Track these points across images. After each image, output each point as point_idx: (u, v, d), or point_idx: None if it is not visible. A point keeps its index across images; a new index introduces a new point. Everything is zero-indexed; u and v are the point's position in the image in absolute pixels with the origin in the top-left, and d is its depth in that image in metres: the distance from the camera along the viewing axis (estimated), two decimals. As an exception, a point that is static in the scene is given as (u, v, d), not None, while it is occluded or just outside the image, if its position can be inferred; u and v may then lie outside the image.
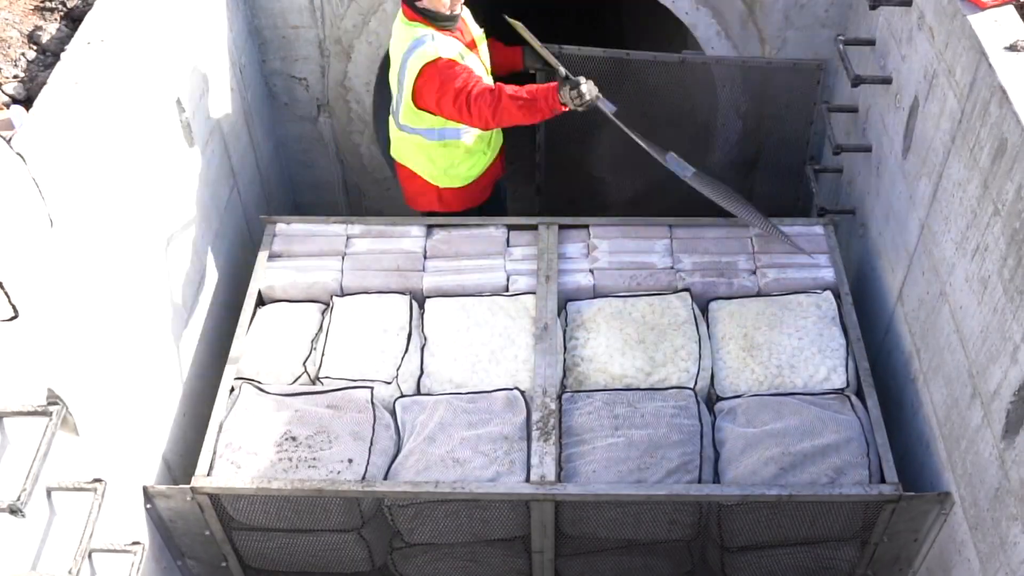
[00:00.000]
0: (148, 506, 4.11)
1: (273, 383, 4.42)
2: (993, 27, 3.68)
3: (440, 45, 4.66)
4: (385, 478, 4.10)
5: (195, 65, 4.79)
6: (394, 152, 5.25)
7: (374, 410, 4.28)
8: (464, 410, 4.27)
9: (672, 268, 4.82)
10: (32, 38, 4.10)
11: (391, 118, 5.09)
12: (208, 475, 4.08)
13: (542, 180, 6.46)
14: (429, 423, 4.23)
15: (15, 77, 3.87)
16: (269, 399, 4.34)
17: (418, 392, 4.39)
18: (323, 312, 4.71)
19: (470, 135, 4.96)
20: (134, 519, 4.02)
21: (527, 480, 4.03)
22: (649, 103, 7.50)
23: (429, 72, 4.62)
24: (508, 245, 4.97)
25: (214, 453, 4.15)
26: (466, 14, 4.93)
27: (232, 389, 4.39)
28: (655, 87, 6.16)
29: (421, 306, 4.72)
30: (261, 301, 4.77)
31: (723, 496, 3.98)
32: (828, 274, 4.76)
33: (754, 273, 4.78)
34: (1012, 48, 3.58)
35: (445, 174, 5.11)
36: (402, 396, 4.36)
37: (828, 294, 4.66)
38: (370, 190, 6.57)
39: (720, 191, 5.00)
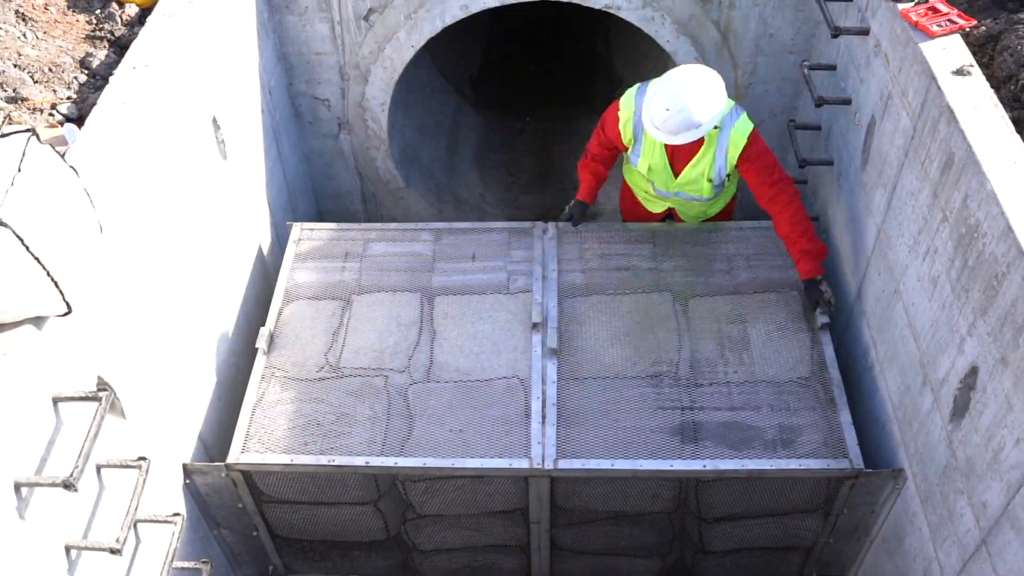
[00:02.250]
0: (187, 481, 4.11)
1: (299, 372, 4.42)
2: (942, 54, 3.69)
3: (628, 96, 4.48)
4: (399, 456, 4.11)
5: (229, 88, 4.79)
6: None
7: (389, 396, 4.29)
8: (469, 395, 4.28)
9: (655, 269, 4.82)
10: (84, 64, 4.10)
11: None
12: (241, 454, 4.09)
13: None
14: (438, 407, 4.24)
15: (69, 98, 3.88)
16: (295, 386, 4.35)
17: (428, 380, 4.39)
18: (343, 308, 4.71)
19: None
20: (174, 493, 4.02)
21: (526, 458, 4.03)
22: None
23: None
24: (509, 248, 4.97)
25: (246, 434, 4.15)
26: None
27: (262, 377, 4.40)
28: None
29: (431, 303, 4.72)
30: (288, 298, 4.77)
31: (700, 472, 3.98)
32: (795, 274, 4.75)
33: (729, 273, 4.79)
34: (959, 72, 3.58)
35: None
36: (414, 383, 4.36)
37: (795, 293, 4.66)
38: (385, 199, 6.58)
39: None
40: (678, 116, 4.12)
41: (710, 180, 4.54)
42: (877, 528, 4.26)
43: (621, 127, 4.51)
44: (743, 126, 4.37)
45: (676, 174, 4.60)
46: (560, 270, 4.83)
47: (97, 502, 3.30)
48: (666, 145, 4.43)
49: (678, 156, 4.52)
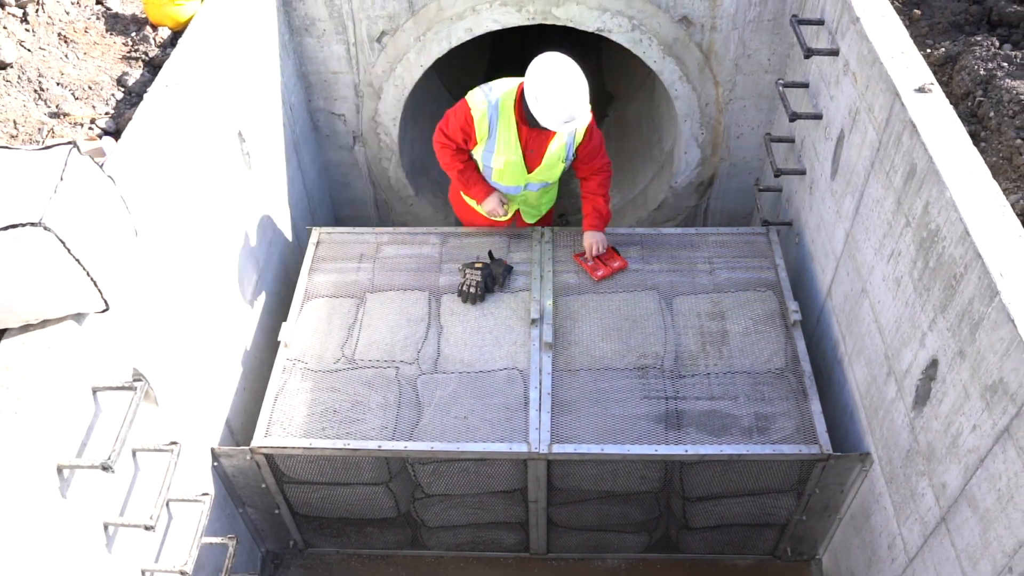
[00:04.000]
0: (215, 464, 4.12)
1: (317, 364, 4.42)
2: (905, 73, 3.69)
3: (477, 95, 4.34)
4: (408, 441, 4.10)
5: (254, 104, 4.79)
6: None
7: (400, 386, 4.29)
8: (473, 385, 4.28)
9: (642, 270, 4.82)
10: (120, 82, 4.10)
11: None
12: (264, 438, 4.09)
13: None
14: (445, 396, 4.24)
15: (106, 113, 3.88)
16: (314, 377, 4.34)
17: (435, 371, 4.39)
18: (358, 306, 4.71)
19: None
20: (203, 474, 4.03)
21: (524, 443, 4.03)
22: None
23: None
24: (509, 250, 4.97)
25: (269, 420, 4.15)
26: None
27: (284, 369, 4.40)
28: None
29: (438, 301, 4.72)
30: (307, 296, 4.77)
31: (684, 456, 3.98)
32: (770, 275, 4.76)
33: (710, 274, 4.78)
34: (920, 90, 3.58)
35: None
36: (422, 374, 4.36)
37: (771, 292, 4.66)
38: (396, 206, 6.58)
39: None
40: (572, 107, 4.10)
41: (563, 161, 4.56)
42: (846, 507, 4.26)
43: (476, 123, 4.37)
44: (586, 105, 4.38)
45: (530, 167, 4.54)
46: (555, 271, 4.83)
47: (132, 483, 3.30)
48: (521, 138, 4.39)
49: (531, 147, 4.46)
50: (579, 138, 4.47)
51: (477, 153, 4.55)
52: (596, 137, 4.55)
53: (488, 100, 4.32)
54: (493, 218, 4.82)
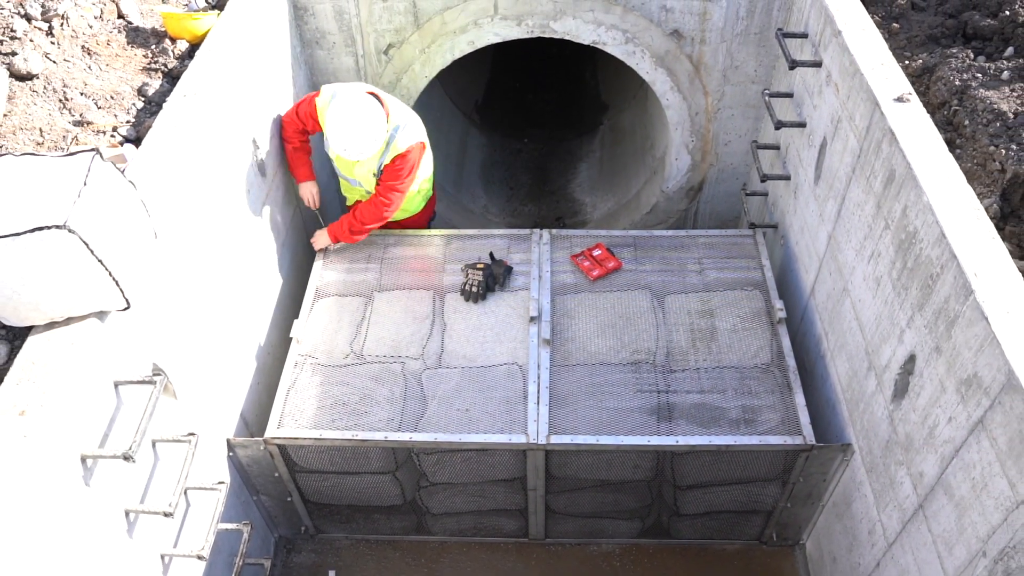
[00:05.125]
0: (230, 454, 4.12)
1: (327, 359, 4.42)
2: (885, 83, 3.69)
3: (325, 91, 4.63)
4: (414, 432, 4.10)
5: (267, 113, 4.78)
6: None
7: (405, 380, 4.29)
8: (475, 380, 4.28)
9: (635, 270, 4.82)
10: (141, 92, 4.10)
11: None
12: (277, 429, 4.09)
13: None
14: (448, 389, 4.23)
15: (127, 122, 3.88)
16: (324, 371, 4.34)
17: (439, 366, 4.39)
18: (366, 304, 4.71)
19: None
20: (219, 464, 4.02)
21: (523, 434, 4.03)
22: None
23: None
24: (509, 251, 4.97)
25: (282, 413, 4.15)
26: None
27: (296, 364, 4.40)
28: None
29: (442, 299, 4.72)
30: (318, 295, 4.77)
31: (674, 447, 3.98)
32: (757, 275, 4.76)
33: (699, 274, 4.78)
34: (899, 100, 3.58)
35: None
36: (427, 369, 4.36)
37: (757, 291, 4.66)
38: (402, 209, 6.57)
39: None
40: (353, 151, 4.45)
41: (375, 175, 4.76)
42: (828, 494, 4.25)
43: (319, 114, 4.61)
44: (408, 138, 4.62)
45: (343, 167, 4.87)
46: (553, 271, 4.83)
47: (152, 472, 3.30)
48: None
49: None
50: (387, 158, 4.66)
51: (326, 143, 4.72)
52: (398, 166, 4.65)
53: (329, 97, 4.57)
54: (306, 201, 5.04)
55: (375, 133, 4.45)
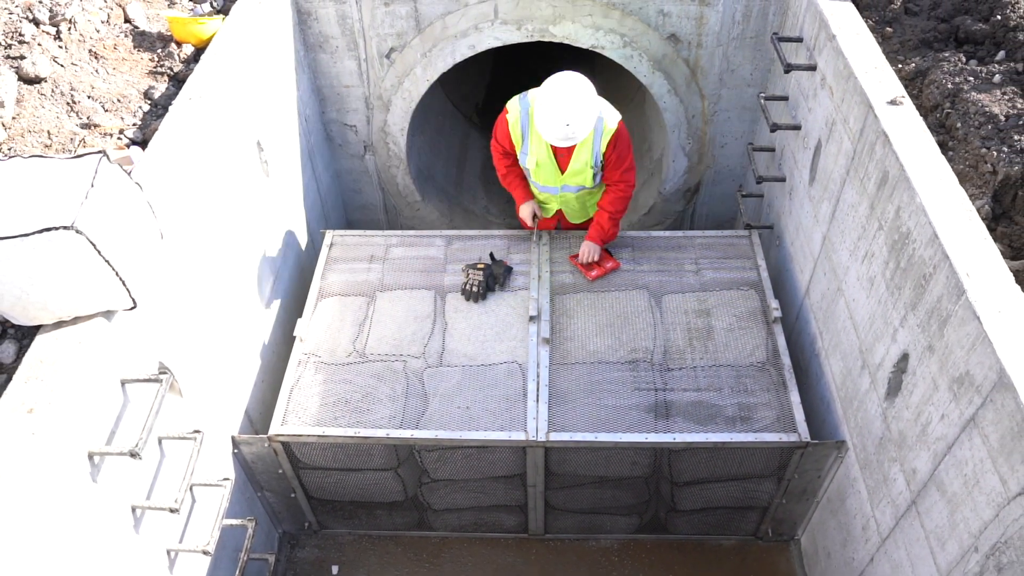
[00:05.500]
0: (235, 451, 4.12)
1: (330, 357, 4.42)
2: (878, 87, 3.69)
3: (513, 102, 4.36)
4: (415, 430, 4.11)
5: (271, 115, 4.79)
6: None
7: (407, 378, 4.29)
8: (475, 378, 4.28)
9: (633, 270, 4.82)
10: (147, 95, 4.10)
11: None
12: (281, 427, 4.09)
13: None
14: (449, 387, 4.23)
15: (134, 124, 3.88)
16: (327, 369, 4.34)
17: (440, 364, 4.39)
18: (368, 303, 4.71)
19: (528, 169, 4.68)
20: (224, 461, 4.02)
21: (523, 431, 4.03)
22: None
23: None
24: (509, 252, 4.97)
25: (286, 410, 4.15)
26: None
27: (299, 362, 4.40)
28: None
29: (443, 299, 4.72)
30: (321, 295, 4.77)
31: (672, 443, 3.98)
32: (753, 275, 4.76)
33: (696, 274, 4.78)
34: (892, 103, 3.58)
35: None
36: (428, 367, 4.36)
37: (753, 291, 4.66)
38: (404, 211, 6.58)
39: None
40: (567, 130, 4.10)
41: (592, 167, 4.48)
42: (823, 491, 4.26)
43: (511, 130, 4.41)
44: (612, 116, 4.33)
45: (562, 169, 4.53)
46: (552, 271, 4.83)
47: (158, 469, 3.30)
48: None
49: (560, 151, 4.46)
50: (604, 146, 4.38)
51: (519, 156, 4.54)
52: (620, 147, 4.40)
53: (520, 106, 4.35)
54: (525, 222, 4.81)
55: (591, 103, 4.10)
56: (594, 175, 4.53)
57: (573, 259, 4.84)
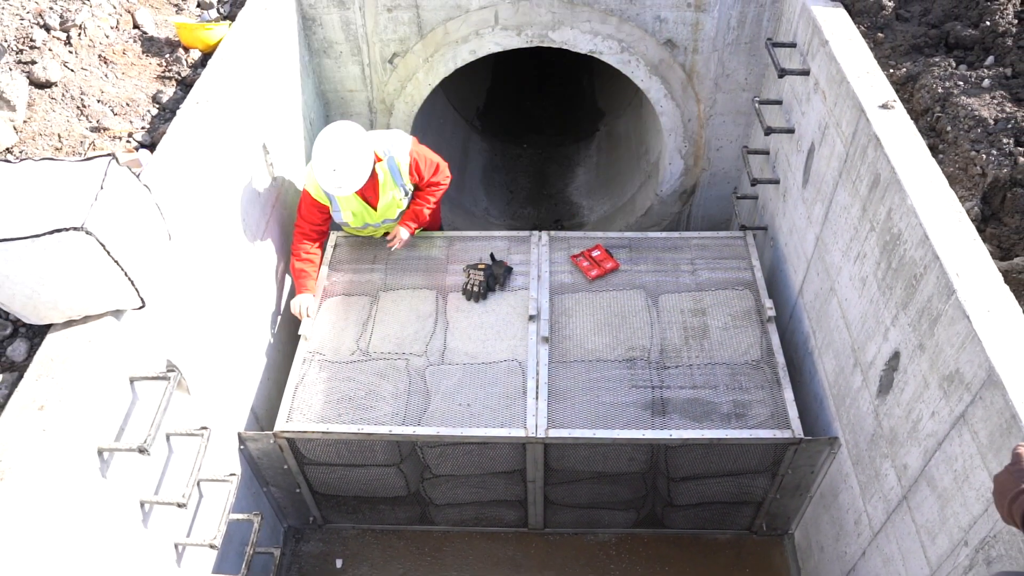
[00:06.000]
0: (241, 447, 4.12)
1: (334, 356, 4.42)
2: (870, 91, 3.69)
3: (306, 179, 4.47)
4: (417, 426, 4.11)
5: (277, 119, 4.79)
6: None
7: (409, 376, 4.29)
8: (476, 375, 4.28)
9: (631, 270, 4.82)
10: (155, 99, 4.10)
11: None
12: (287, 423, 4.09)
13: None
14: (450, 385, 4.23)
15: (142, 128, 3.87)
16: (331, 367, 4.34)
17: (442, 362, 4.39)
18: (371, 303, 4.71)
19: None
20: (230, 456, 4.03)
21: (523, 428, 4.03)
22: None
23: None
24: (509, 252, 4.97)
25: (291, 407, 4.15)
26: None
27: (304, 360, 4.40)
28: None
29: (444, 298, 4.72)
30: (325, 294, 4.77)
31: (668, 440, 3.98)
32: (747, 275, 4.76)
33: (692, 274, 4.78)
34: (884, 107, 3.58)
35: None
36: (430, 365, 4.36)
37: (748, 291, 4.66)
38: (406, 212, 6.57)
39: None
40: (335, 176, 4.22)
41: (400, 199, 4.65)
42: (816, 486, 4.26)
43: (316, 198, 4.47)
44: (401, 148, 4.49)
45: (374, 207, 4.63)
46: (552, 271, 4.83)
47: (166, 464, 3.30)
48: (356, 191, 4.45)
49: (368, 194, 4.56)
50: (407, 180, 4.59)
51: (333, 215, 4.62)
52: (422, 166, 4.58)
53: (313, 178, 4.43)
54: (294, 311, 4.60)
55: (357, 150, 4.22)
56: (407, 200, 4.72)
57: (575, 259, 4.84)
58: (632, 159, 7.03)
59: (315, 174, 4.28)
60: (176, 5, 4.86)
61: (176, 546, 3.37)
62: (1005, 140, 3.40)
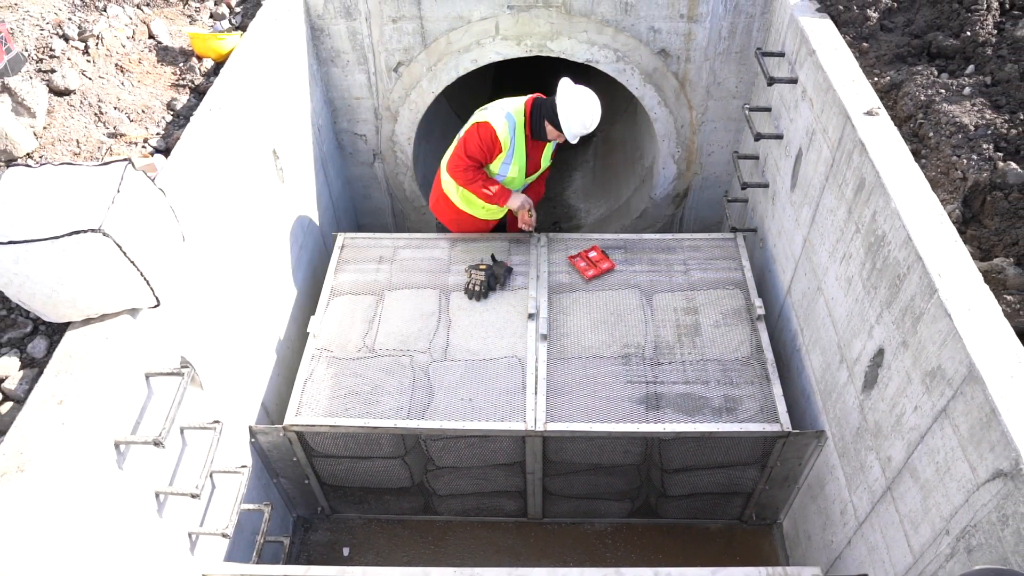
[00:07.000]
0: (252, 440, 4.12)
1: (341, 352, 4.42)
2: (855, 98, 3.69)
3: (497, 119, 4.48)
4: (421, 420, 4.10)
5: (286, 125, 4.79)
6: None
7: (414, 371, 4.28)
8: (478, 371, 4.27)
9: (626, 270, 4.82)
10: (170, 106, 4.10)
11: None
12: (296, 417, 4.08)
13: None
14: (453, 380, 4.23)
15: (157, 134, 3.87)
16: (338, 364, 4.34)
17: (445, 359, 4.39)
18: (377, 302, 4.71)
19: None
20: (242, 449, 4.02)
21: (522, 421, 4.03)
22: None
23: (471, 129, 4.56)
24: (509, 253, 4.97)
25: (300, 402, 4.15)
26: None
27: (312, 356, 4.39)
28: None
29: (447, 297, 4.72)
30: (333, 293, 4.77)
31: (662, 433, 3.98)
32: (738, 275, 4.76)
33: (685, 274, 4.78)
34: (869, 113, 3.58)
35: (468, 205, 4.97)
36: (433, 361, 4.36)
37: (738, 290, 4.66)
38: (411, 215, 6.57)
39: None
40: (591, 127, 4.46)
41: (548, 161, 4.88)
42: (804, 477, 4.25)
43: (502, 141, 4.50)
44: None
45: (529, 172, 4.80)
46: (550, 271, 4.82)
47: (180, 457, 3.30)
48: (527, 149, 4.64)
49: (531, 155, 4.72)
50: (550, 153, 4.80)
51: (495, 166, 4.65)
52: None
53: (507, 121, 4.49)
54: (523, 210, 4.78)
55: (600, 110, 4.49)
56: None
57: (572, 259, 4.84)
58: (627, 164, 7.03)
59: (569, 125, 4.39)
60: (190, 16, 4.86)
61: (190, 535, 3.37)
62: (985, 145, 3.40)
